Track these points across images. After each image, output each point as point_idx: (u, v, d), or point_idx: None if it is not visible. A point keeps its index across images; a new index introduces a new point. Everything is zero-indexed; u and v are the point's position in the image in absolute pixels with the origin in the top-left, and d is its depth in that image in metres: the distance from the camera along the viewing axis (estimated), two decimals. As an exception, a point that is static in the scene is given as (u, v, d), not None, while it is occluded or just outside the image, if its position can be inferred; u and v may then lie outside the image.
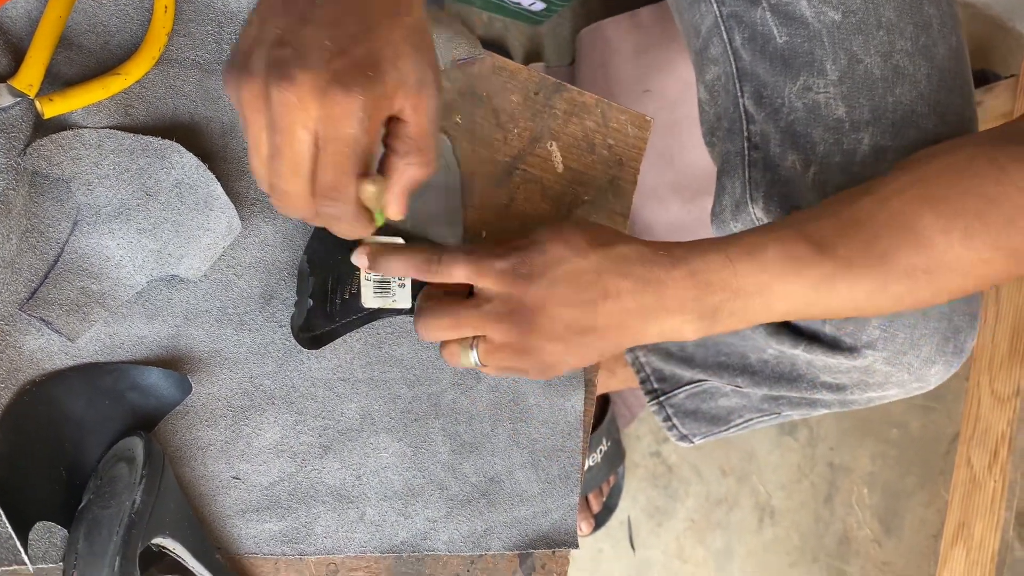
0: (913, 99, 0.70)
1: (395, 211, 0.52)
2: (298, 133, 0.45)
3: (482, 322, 0.55)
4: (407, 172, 0.51)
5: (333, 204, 0.48)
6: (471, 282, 0.56)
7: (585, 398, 0.70)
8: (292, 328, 0.60)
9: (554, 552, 0.69)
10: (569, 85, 0.71)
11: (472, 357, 0.56)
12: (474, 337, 0.56)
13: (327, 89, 0.44)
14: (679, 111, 1.26)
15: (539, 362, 0.56)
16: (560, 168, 0.71)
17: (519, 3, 1.23)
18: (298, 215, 0.49)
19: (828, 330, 0.74)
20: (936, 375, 0.74)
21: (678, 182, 1.28)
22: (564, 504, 0.69)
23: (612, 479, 1.32)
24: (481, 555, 0.67)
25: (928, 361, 0.72)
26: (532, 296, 0.54)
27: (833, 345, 0.75)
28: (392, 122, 0.49)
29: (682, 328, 0.56)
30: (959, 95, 0.72)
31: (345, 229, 0.51)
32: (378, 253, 0.57)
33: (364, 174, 0.48)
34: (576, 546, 0.69)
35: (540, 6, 1.23)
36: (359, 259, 0.57)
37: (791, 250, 0.56)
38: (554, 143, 0.70)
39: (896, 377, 0.75)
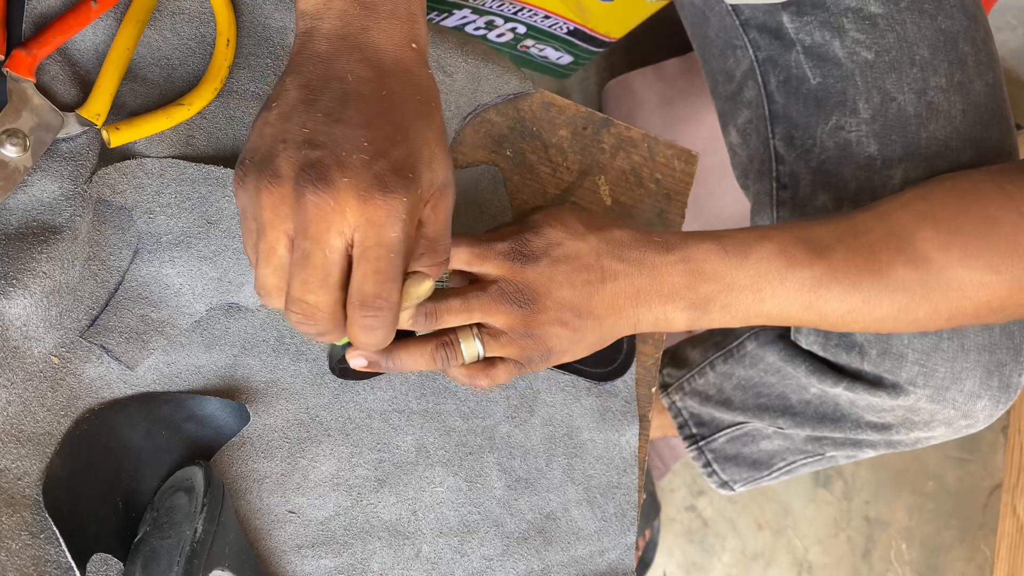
0: (948, 135, 0.70)
1: (407, 317, 0.50)
2: (332, 240, 0.41)
3: (489, 303, 0.53)
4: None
5: (376, 314, 0.43)
6: (471, 268, 0.54)
7: (640, 433, 0.69)
8: (330, 360, 0.59)
9: (611, 593, 0.67)
10: (616, 120, 0.71)
11: (476, 346, 0.53)
12: (476, 326, 0.54)
13: (369, 193, 0.41)
14: (706, 161, 1.27)
15: (542, 347, 0.54)
16: (608, 201, 0.71)
17: (547, 57, 1.25)
18: (320, 329, 0.44)
19: (868, 368, 0.73)
20: (984, 410, 0.73)
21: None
22: (621, 543, 0.67)
23: (648, 533, 1.29)
24: (538, 595, 0.65)
25: (973, 396, 0.71)
26: (534, 276, 0.53)
27: (875, 383, 0.74)
28: None
29: (674, 317, 0.55)
30: (996, 129, 0.72)
31: (379, 339, 0.45)
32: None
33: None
34: (635, 586, 0.67)
35: (567, 59, 1.26)
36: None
37: (787, 249, 0.56)
38: (602, 176, 0.71)
39: (942, 414, 0.73)
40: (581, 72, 1.34)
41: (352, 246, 0.42)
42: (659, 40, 1.31)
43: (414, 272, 0.46)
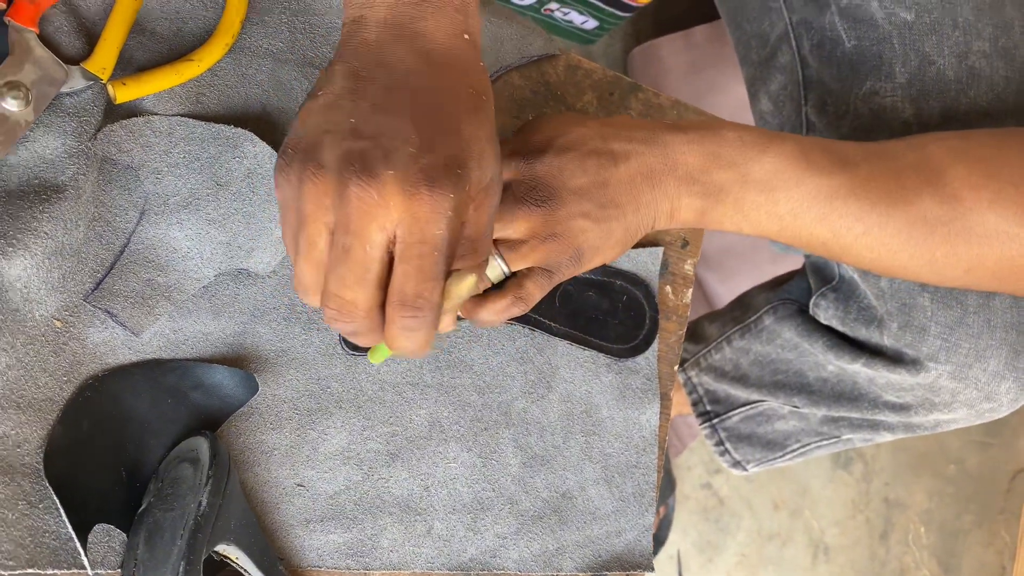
0: (989, 102, 0.66)
1: (450, 321, 0.46)
2: (374, 235, 0.39)
3: (504, 211, 0.50)
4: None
5: (415, 315, 0.41)
6: None
7: (660, 412, 0.67)
8: (341, 336, 0.56)
9: (628, 575, 0.65)
10: (645, 86, 0.68)
11: (499, 265, 0.50)
12: (493, 243, 0.50)
13: (415, 188, 0.39)
14: (733, 131, 1.24)
15: (570, 248, 0.51)
16: (635, 171, 0.68)
17: (571, 21, 1.22)
18: (355, 328, 0.42)
19: (888, 342, 0.70)
20: (1008, 393, 0.69)
21: (732, 203, 1.25)
22: (639, 524, 0.65)
23: (662, 510, 1.27)
24: (552, 575, 0.63)
25: (997, 376, 0.68)
26: (544, 169, 0.50)
27: (895, 359, 0.71)
28: None
29: (687, 204, 0.52)
30: None
31: (418, 342, 0.42)
32: None
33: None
34: (652, 569, 0.65)
35: (593, 24, 1.22)
36: None
37: (808, 153, 0.52)
38: (629, 145, 0.68)
39: (964, 395, 0.71)
40: (606, 38, 1.30)
41: (394, 242, 0.40)
42: (688, 5, 1.27)
43: (455, 270, 0.44)
